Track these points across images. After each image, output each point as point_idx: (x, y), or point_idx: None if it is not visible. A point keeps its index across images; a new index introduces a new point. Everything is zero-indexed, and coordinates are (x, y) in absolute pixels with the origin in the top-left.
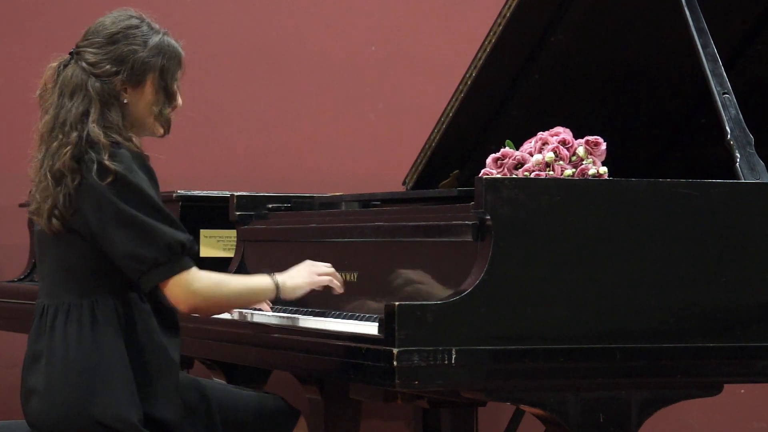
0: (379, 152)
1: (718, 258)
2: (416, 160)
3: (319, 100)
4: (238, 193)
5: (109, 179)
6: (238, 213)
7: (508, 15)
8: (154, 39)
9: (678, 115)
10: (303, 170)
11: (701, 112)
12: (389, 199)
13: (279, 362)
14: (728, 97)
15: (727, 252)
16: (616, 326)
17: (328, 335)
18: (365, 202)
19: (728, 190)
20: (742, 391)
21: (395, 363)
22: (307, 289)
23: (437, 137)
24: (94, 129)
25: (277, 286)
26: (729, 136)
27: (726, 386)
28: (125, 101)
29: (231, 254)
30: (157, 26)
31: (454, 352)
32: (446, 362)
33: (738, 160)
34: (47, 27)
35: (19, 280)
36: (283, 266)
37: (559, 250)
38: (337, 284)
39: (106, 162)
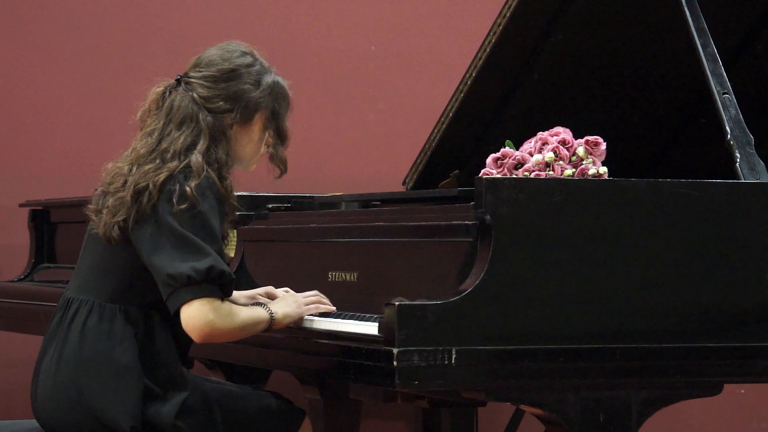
0: (379, 152)
1: (718, 258)
2: (416, 160)
3: (318, 100)
4: (238, 193)
5: (184, 205)
6: (238, 213)
7: (508, 15)
8: (267, 79)
9: (678, 115)
10: (303, 170)
11: (701, 112)
12: (389, 199)
13: (279, 362)
14: (728, 97)
15: (727, 252)
16: (616, 326)
17: (328, 335)
18: (365, 202)
19: (728, 190)
20: (742, 391)
21: (395, 363)
22: (296, 318)
23: (437, 137)
24: (197, 159)
25: (271, 317)
26: (729, 136)
27: (726, 386)
28: (230, 137)
29: (231, 254)
30: (267, 64)
31: (454, 352)
32: (446, 362)
33: (738, 160)
34: (47, 27)
35: (19, 280)
36: (283, 266)
37: (559, 250)
38: (326, 307)
39: (187, 189)
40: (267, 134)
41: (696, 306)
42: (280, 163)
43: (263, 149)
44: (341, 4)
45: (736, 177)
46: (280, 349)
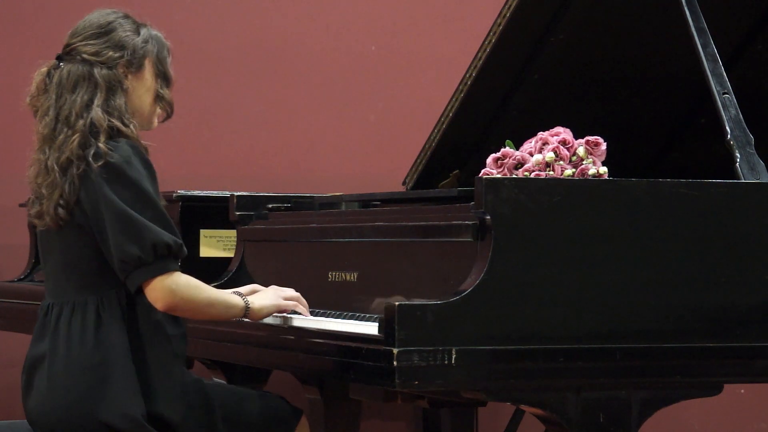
0: (379, 152)
1: (718, 258)
2: (416, 160)
3: (319, 101)
4: (238, 193)
5: (101, 163)
6: (238, 213)
7: (508, 15)
8: (143, 29)
9: (678, 115)
10: (303, 170)
11: (701, 112)
12: (389, 199)
13: (279, 362)
14: (728, 97)
15: (727, 252)
16: (616, 326)
17: (328, 335)
18: (365, 202)
19: (728, 190)
20: (742, 391)
21: (395, 363)
22: (273, 311)
23: (437, 137)
24: (97, 113)
25: (246, 305)
26: (729, 136)
27: (726, 386)
28: (127, 87)
29: (231, 254)
30: (138, 20)
31: (454, 352)
32: (446, 362)
33: (738, 160)
34: (47, 27)
35: (19, 280)
36: (284, 266)
37: (559, 250)
38: (303, 309)
39: (101, 145)
40: (158, 83)
41: (696, 306)
42: (167, 105)
43: (167, 92)
44: (341, 4)
45: (736, 177)
46: (280, 349)
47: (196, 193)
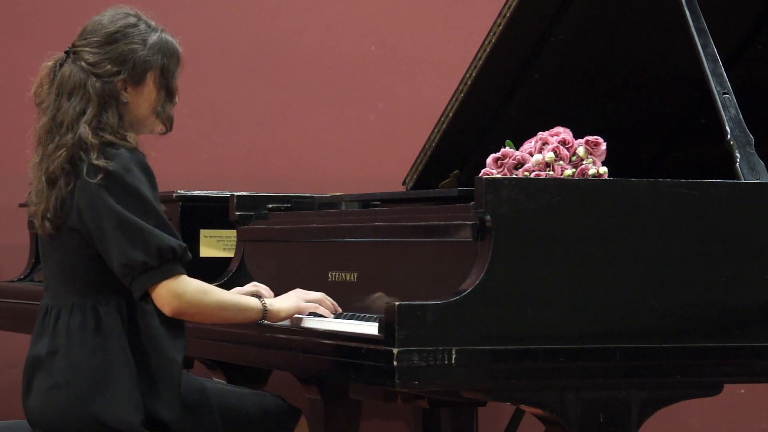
0: (379, 152)
1: (718, 258)
2: (416, 160)
3: (319, 100)
4: (238, 193)
5: (100, 177)
6: (238, 213)
7: (508, 15)
8: (153, 37)
9: (678, 115)
10: (303, 170)
11: (701, 112)
12: (389, 199)
13: (279, 362)
14: (728, 97)
15: (727, 252)
16: (616, 326)
17: (328, 335)
18: (365, 202)
19: (728, 190)
20: (742, 391)
21: (395, 363)
22: (292, 313)
23: (437, 137)
24: (84, 129)
25: (264, 308)
26: (729, 136)
27: (726, 386)
28: (125, 101)
29: (231, 254)
30: (153, 24)
31: (454, 352)
32: (446, 362)
33: (738, 160)
34: (47, 27)
35: (19, 280)
36: (284, 266)
37: (559, 250)
38: (324, 310)
39: (95, 162)
40: (160, 96)
41: (696, 306)
42: (165, 121)
43: (169, 108)
44: (341, 4)
45: (736, 177)
46: (280, 349)
47: (196, 193)
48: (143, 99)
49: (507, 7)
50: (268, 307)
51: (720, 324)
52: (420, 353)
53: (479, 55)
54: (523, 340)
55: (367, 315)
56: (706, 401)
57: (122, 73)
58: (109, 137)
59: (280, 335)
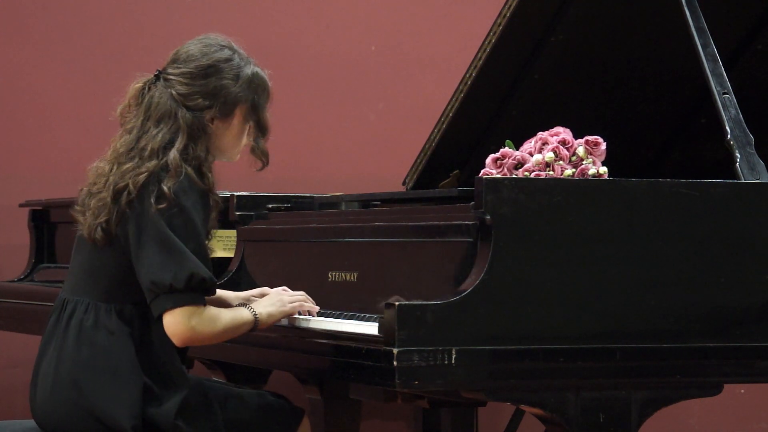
0: (379, 152)
1: (718, 258)
2: (416, 160)
3: (318, 100)
4: (238, 193)
5: (163, 205)
6: (238, 213)
7: (508, 15)
8: (246, 72)
9: (678, 115)
10: (303, 170)
11: (701, 112)
12: (389, 199)
13: (279, 362)
14: (728, 97)
15: (727, 252)
16: (616, 326)
17: (328, 335)
18: (365, 202)
19: (728, 190)
20: (742, 391)
21: (395, 363)
22: (280, 317)
23: (437, 137)
24: (175, 156)
25: (255, 318)
26: (729, 136)
27: (726, 386)
28: (211, 132)
29: (231, 254)
30: (245, 56)
31: (454, 352)
32: (446, 362)
33: (738, 160)
34: (47, 27)
35: (19, 280)
36: (284, 266)
37: (559, 250)
38: (309, 307)
39: (165, 188)
40: (248, 126)
41: (696, 306)
42: (261, 156)
43: (245, 140)
44: (341, 4)
45: (736, 177)
46: (280, 349)
47: None
48: (228, 132)
49: (507, 7)
50: (258, 317)
51: (720, 324)
52: (420, 353)
53: (479, 55)
54: (523, 340)
55: (367, 315)
56: (706, 401)
57: (213, 107)
58: (190, 171)
59: (280, 335)
